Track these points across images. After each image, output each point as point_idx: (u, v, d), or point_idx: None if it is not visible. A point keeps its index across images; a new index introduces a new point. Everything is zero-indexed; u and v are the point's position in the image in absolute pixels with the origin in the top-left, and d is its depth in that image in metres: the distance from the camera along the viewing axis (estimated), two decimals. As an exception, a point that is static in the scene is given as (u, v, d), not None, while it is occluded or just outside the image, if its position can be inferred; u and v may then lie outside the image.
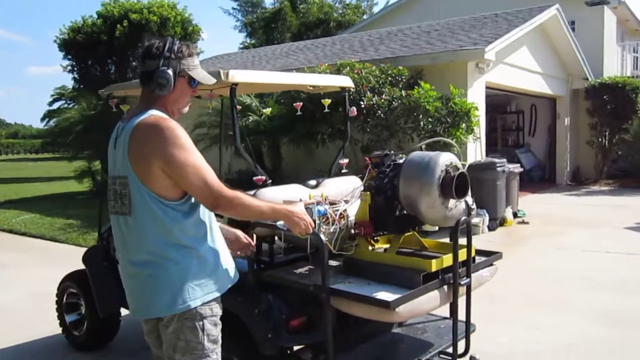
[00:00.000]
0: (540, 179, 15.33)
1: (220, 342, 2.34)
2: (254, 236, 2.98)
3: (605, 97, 14.20)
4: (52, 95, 31.59)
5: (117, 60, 22.72)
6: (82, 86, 23.56)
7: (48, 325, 4.76)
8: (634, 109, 14.11)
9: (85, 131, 13.64)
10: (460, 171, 2.76)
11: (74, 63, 23.35)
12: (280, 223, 2.69)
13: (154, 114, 2.22)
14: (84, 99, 14.89)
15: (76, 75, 23.97)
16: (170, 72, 2.23)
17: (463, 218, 2.85)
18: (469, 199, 2.91)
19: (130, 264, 2.30)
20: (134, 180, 2.15)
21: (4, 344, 4.54)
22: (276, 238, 3.32)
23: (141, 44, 22.29)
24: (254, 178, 3.29)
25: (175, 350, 2.28)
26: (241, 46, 38.96)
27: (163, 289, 2.21)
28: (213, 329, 2.30)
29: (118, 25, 21.44)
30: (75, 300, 4.37)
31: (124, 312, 4.22)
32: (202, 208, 2.30)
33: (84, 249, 7.51)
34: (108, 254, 4.10)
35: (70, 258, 7.14)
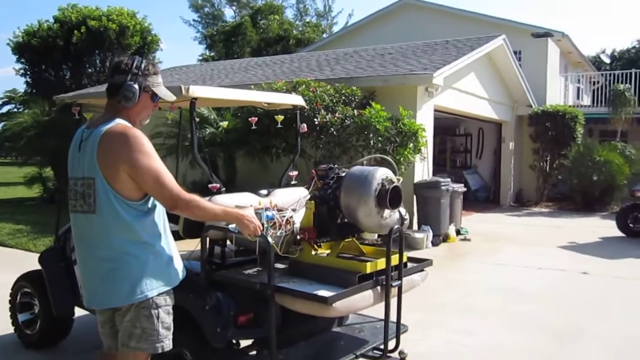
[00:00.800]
0: (485, 199, 16.06)
1: (172, 329, 2.60)
2: (207, 239, 3.26)
3: (547, 124, 15.09)
4: (1, 99, 30.61)
5: (72, 66, 22.45)
6: (34, 90, 23.15)
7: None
8: (572, 136, 15.05)
9: (37, 137, 13.48)
10: (394, 184, 3.12)
11: (27, 67, 22.96)
12: (232, 226, 2.99)
13: (121, 122, 2.48)
14: (36, 104, 14.69)
15: (29, 79, 23.55)
16: (136, 86, 2.50)
17: (396, 226, 3.20)
18: (402, 209, 3.27)
19: (90, 259, 2.53)
20: (101, 181, 2.40)
21: (-47, 342, 4.61)
22: (228, 242, 3.60)
23: (99, 52, 22.18)
24: (209, 185, 3.56)
25: (131, 337, 2.52)
26: (200, 58, 39.00)
27: (122, 281, 2.46)
28: (167, 317, 2.56)
29: (75, 31, 21.25)
30: (28, 299, 4.49)
31: (77, 312, 4.38)
32: (157, 210, 2.56)
33: (34, 254, 7.60)
34: (65, 255, 4.26)
35: (19, 262, 7.18)
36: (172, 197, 2.42)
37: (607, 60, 28.83)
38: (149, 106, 2.61)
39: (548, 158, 15.51)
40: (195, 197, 2.49)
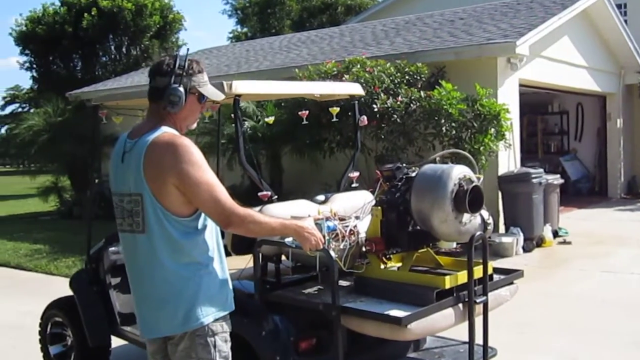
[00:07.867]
0: (588, 191, 15.82)
1: (230, 359, 2.85)
2: (260, 255, 3.51)
3: (665, 93, 14.74)
4: (4, 98, 31.91)
5: (84, 55, 23.41)
6: (41, 86, 24.20)
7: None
8: (699, 107, 14.64)
9: (51, 141, 14.04)
10: (474, 184, 3.28)
11: (33, 59, 24.06)
12: (288, 240, 3.21)
13: (167, 131, 2.73)
14: (48, 102, 15.23)
15: (35, 74, 24.65)
16: (181, 89, 2.74)
17: (478, 233, 3.36)
18: (484, 213, 3.42)
19: (141, 284, 2.80)
20: (149, 197, 2.66)
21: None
22: (283, 257, 3.84)
23: (113, 36, 23.01)
24: (259, 194, 3.80)
25: (186, 367, 2.78)
26: (230, 35, 39.74)
27: (176, 307, 2.71)
28: (224, 345, 2.81)
29: (85, 15, 22.11)
30: (60, 330, 4.86)
31: (114, 341, 4.71)
32: (209, 225, 2.81)
33: (57, 278, 8.08)
34: (98, 277, 4.61)
35: (41, 287, 7.66)
36: (226, 214, 2.64)
37: None
38: (196, 109, 2.86)
39: (668, 136, 15.16)
40: (250, 212, 2.72)
